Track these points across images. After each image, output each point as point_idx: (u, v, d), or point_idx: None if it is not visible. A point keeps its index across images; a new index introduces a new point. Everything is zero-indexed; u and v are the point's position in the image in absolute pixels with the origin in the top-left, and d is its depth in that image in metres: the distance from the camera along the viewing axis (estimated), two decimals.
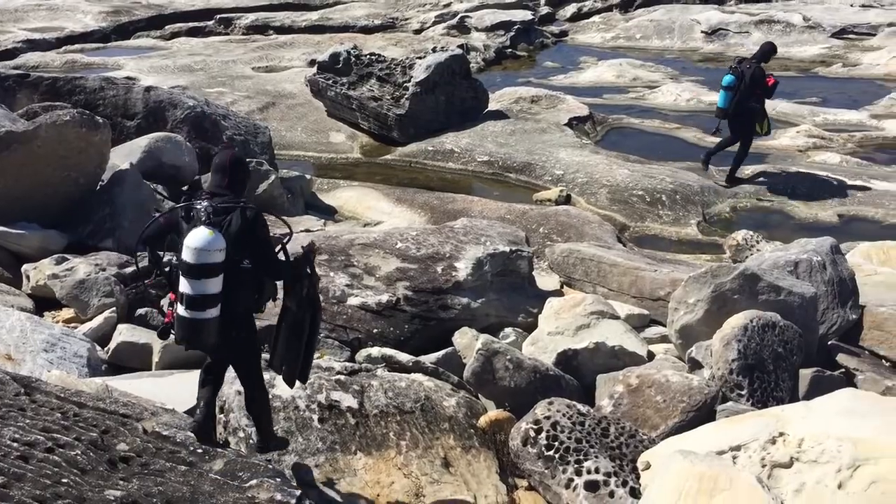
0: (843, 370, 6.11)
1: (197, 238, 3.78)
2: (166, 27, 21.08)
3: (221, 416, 4.87)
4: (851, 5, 21.17)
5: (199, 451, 3.84)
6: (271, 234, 4.11)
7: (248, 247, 3.94)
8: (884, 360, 6.40)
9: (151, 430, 3.91)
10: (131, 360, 5.62)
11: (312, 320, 4.21)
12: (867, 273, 7.30)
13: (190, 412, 4.57)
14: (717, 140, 11.25)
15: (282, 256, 4.13)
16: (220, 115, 10.60)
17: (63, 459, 3.56)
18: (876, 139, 12.82)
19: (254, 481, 3.68)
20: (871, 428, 4.14)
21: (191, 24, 21.27)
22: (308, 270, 4.16)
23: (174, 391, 4.96)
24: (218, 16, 21.60)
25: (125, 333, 5.77)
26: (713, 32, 19.65)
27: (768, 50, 10.92)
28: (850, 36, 18.89)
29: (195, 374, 5.25)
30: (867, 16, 20.03)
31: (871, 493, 3.87)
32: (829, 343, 6.39)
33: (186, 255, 3.78)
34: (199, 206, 3.89)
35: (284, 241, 4.18)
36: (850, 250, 8.08)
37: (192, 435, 4.00)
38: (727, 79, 10.59)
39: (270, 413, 4.44)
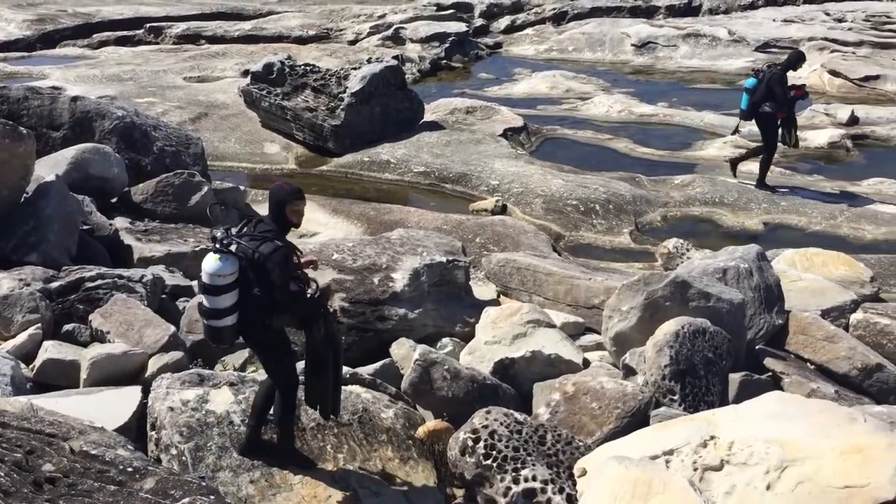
0: (770, 373, 6.27)
1: (206, 263, 4.25)
2: (94, 36, 20.58)
3: (153, 433, 4.77)
4: (774, 20, 21.86)
5: (129, 469, 3.73)
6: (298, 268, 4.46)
7: (260, 278, 4.30)
8: (808, 364, 6.60)
9: (79, 450, 3.79)
10: (58, 378, 5.43)
11: (335, 357, 4.59)
12: (792, 279, 7.51)
13: (120, 430, 4.49)
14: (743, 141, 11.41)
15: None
16: (151, 126, 10.38)
17: None
18: (798, 150, 13.23)
19: (186, 500, 3.60)
20: (797, 430, 4.26)
21: (119, 33, 20.80)
22: (323, 311, 4.53)
23: (103, 408, 4.83)
24: (148, 25, 21.18)
25: (51, 350, 5.58)
26: (643, 45, 20.09)
27: (794, 59, 11.15)
28: (773, 50, 19.47)
29: (124, 391, 5.16)
30: (789, 30, 20.71)
31: (797, 493, 3.98)
32: (757, 347, 6.56)
33: (202, 276, 4.28)
34: (216, 234, 4.32)
35: (312, 290, 4.54)
36: (775, 257, 8.31)
37: (123, 454, 3.90)
38: (748, 81, 11.01)
39: (291, 425, 4.70)
